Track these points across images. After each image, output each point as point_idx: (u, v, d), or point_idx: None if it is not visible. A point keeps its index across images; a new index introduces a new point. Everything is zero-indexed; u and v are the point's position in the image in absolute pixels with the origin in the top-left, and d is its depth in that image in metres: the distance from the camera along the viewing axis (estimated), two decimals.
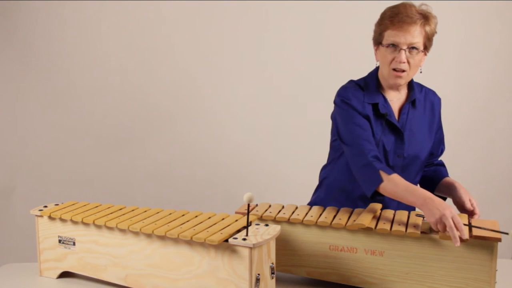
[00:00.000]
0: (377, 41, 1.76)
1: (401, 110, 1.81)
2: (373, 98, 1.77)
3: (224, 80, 3.24)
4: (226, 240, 1.42)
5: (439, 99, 1.90)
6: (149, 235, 1.55)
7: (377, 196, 1.68)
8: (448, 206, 1.50)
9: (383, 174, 1.63)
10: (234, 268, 1.41)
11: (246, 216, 1.56)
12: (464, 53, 3.19)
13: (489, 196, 3.19)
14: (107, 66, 3.23)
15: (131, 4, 3.16)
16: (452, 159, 3.18)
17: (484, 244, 1.46)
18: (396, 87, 1.79)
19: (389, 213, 1.67)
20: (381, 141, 1.76)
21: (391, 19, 1.69)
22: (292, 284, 1.69)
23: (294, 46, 3.19)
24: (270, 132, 3.26)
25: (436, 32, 1.74)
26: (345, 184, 1.86)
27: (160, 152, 3.29)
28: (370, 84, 1.80)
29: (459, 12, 3.12)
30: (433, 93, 1.90)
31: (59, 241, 1.72)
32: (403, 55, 1.68)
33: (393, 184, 1.61)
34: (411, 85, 1.83)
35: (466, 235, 1.45)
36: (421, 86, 1.89)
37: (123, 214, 1.67)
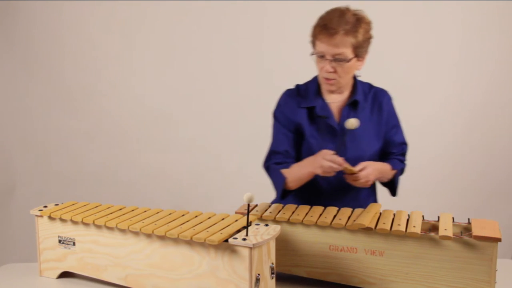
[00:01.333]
0: (313, 46, 1.76)
1: (341, 112, 1.80)
2: (311, 102, 1.80)
3: (224, 80, 3.24)
4: (226, 240, 1.42)
5: (388, 98, 1.86)
6: (149, 235, 1.55)
7: (288, 194, 1.78)
8: (316, 155, 1.65)
9: (284, 171, 1.75)
10: (234, 268, 1.41)
11: (246, 216, 1.56)
12: (465, 53, 3.18)
13: (489, 196, 3.19)
14: (107, 67, 3.23)
15: (131, 5, 3.16)
16: (453, 159, 3.20)
17: (484, 244, 1.46)
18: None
19: (389, 213, 1.67)
20: (320, 144, 1.76)
21: (319, 28, 1.69)
22: (292, 284, 1.69)
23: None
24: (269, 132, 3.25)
25: (371, 37, 1.71)
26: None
27: (160, 152, 3.29)
28: (310, 88, 1.83)
29: (459, 13, 3.12)
30: (383, 93, 1.86)
31: (59, 241, 1.72)
32: (328, 65, 1.70)
33: (292, 172, 1.73)
34: (354, 86, 1.82)
35: (343, 162, 1.60)
36: (370, 87, 1.86)
37: (123, 214, 1.67)
